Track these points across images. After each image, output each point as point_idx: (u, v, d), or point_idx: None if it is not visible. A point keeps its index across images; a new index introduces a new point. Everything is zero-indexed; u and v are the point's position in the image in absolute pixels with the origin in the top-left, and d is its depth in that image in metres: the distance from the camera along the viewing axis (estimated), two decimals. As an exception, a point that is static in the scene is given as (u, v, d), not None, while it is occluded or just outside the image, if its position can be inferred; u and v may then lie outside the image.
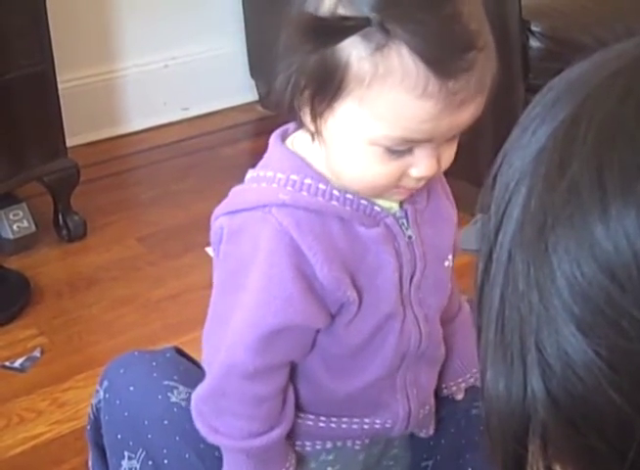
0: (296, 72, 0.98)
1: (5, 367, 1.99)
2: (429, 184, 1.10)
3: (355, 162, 1.01)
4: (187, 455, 1.20)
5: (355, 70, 0.94)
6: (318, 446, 1.21)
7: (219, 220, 1.09)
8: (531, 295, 0.47)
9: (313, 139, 1.04)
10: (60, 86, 2.35)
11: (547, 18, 2.34)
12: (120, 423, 1.23)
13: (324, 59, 0.95)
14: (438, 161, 1.02)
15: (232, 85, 3.13)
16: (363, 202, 1.06)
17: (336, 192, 1.05)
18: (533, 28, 2.28)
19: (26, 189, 2.43)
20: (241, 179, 1.11)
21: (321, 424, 1.19)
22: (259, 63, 3.00)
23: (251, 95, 3.17)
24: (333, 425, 1.19)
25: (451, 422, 1.29)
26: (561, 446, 0.49)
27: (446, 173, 1.10)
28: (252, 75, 3.11)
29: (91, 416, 1.29)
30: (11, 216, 2.34)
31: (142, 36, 2.94)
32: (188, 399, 1.17)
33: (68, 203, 2.42)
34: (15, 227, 2.34)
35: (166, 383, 1.22)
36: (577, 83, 0.51)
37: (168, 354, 1.28)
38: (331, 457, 1.22)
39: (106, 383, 1.25)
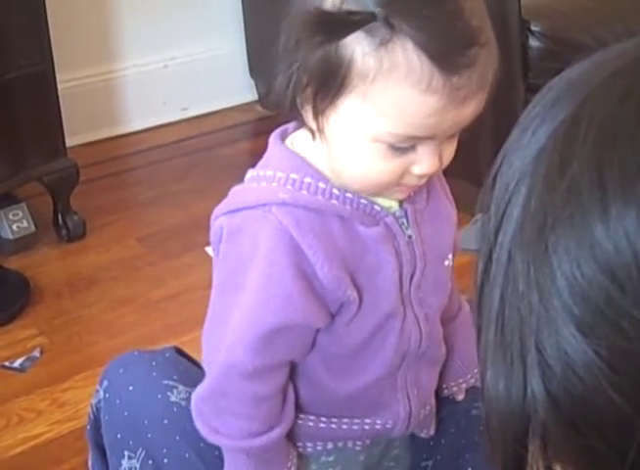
0: (298, 70, 0.98)
1: (5, 367, 1.99)
2: (428, 184, 1.10)
3: (358, 159, 1.01)
4: (187, 455, 1.20)
5: (359, 65, 0.95)
6: (319, 447, 1.20)
7: (219, 220, 1.09)
8: (531, 295, 0.47)
9: (314, 138, 1.04)
10: (59, 86, 2.35)
11: (547, 17, 2.34)
12: (120, 423, 1.23)
13: (327, 55, 0.95)
14: (440, 158, 1.02)
15: (231, 85, 3.13)
16: (363, 201, 1.06)
17: (335, 191, 1.05)
18: (533, 28, 2.28)
19: (26, 189, 2.43)
20: (240, 179, 1.11)
21: (322, 425, 1.18)
22: (259, 63, 3.00)
23: (251, 95, 3.17)
24: (333, 426, 1.19)
25: (451, 422, 1.29)
26: (561, 447, 0.49)
27: (446, 173, 1.10)
28: (252, 75, 3.10)
29: (91, 416, 1.29)
30: (10, 216, 2.34)
31: (141, 36, 2.94)
32: (188, 399, 1.17)
33: (67, 203, 2.42)
34: (14, 227, 2.34)
35: (166, 382, 1.22)
36: (577, 83, 0.51)
37: (168, 354, 1.28)
38: (331, 459, 1.22)
39: (105, 383, 1.25)
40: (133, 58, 2.95)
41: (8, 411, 1.87)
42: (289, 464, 1.17)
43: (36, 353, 2.02)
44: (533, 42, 2.29)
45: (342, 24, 0.93)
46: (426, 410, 1.23)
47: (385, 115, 0.97)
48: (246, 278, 1.06)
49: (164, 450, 1.20)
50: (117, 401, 1.23)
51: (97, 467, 1.32)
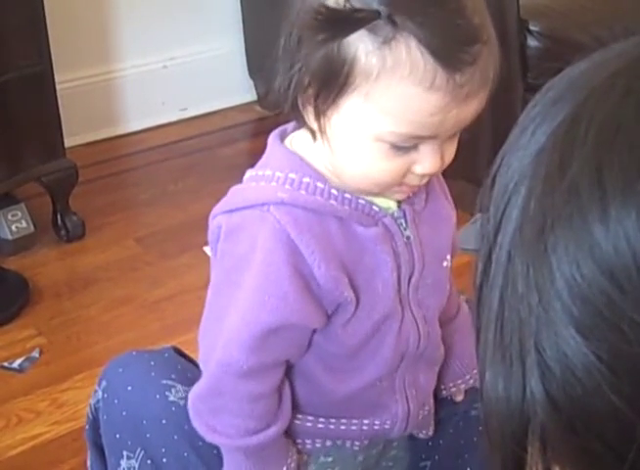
0: (299, 71, 0.98)
1: (4, 368, 1.99)
2: (427, 185, 1.10)
3: (360, 158, 1.01)
4: (185, 454, 1.20)
5: (362, 63, 0.95)
6: (318, 445, 1.20)
7: (217, 219, 1.09)
8: (531, 296, 0.47)
9: (315, 138, 1.04)
10: (58, 87, 2.34)
11: (545, 17, 2.34)
12: (119, 423, 1.23)
13: (329, 54, 0.95)
14: (442, 157, 1.02)
15: (230, 85, 3.13)
16: (361, 201, 1.06)
17: (334, 191, 1.05)
18: (532, 28, 2.28)
19: (25, 189, 2.43)
20: (239, 179, 1.11)
21: (320, 425, 1.18)
22: (258, 63, 3.00)
23: (250, 95, 3.17)
24: (332, 426, 1.19)
25: (450, 423, 1.29)
26: (560, 448, 0.49)
27: (445, 173, 1.10)
28: (251, 76, 3.10)
29: (90, 416, 1.29)
30: (9, 217, 2.34)
31: (140, 37, 2.93)
32: (186, 398, 1.17)
33: (66, 203, 2.42)
34: (13, 228, 2.34)
35: (164, 382, 1.22)
36: (577, 83, 0.51)
37: (167, 354, 1.28)
38: (330, 459, 1.22)
39: (104, 383, 1.25)
40: (132, 58, 2.95)
41: (7, 412, 1.87)
42: (288, 461, 1.17)
43: (35, 354, 2.02)
44: (532, 42, 2.29)
45: (345, 22, 0.93)
46: (424, 411, 1.23)
47: (387, 113, 0.97)
48: (242, 277, 1.06)
49: (163, 450, 1.20)
50: (116, 401, 1.23)
51: (96, 467, 1.32)
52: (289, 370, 1.15)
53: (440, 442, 1.29)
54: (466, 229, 1.84)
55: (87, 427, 1.31)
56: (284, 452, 1.16)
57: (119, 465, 1.23)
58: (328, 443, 1.21)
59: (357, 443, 1.21)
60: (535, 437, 0.49)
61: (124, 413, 1.22)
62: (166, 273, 2.31)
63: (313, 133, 1.04)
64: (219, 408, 1.12)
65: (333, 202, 1.05)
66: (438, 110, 0.96)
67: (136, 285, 2.27)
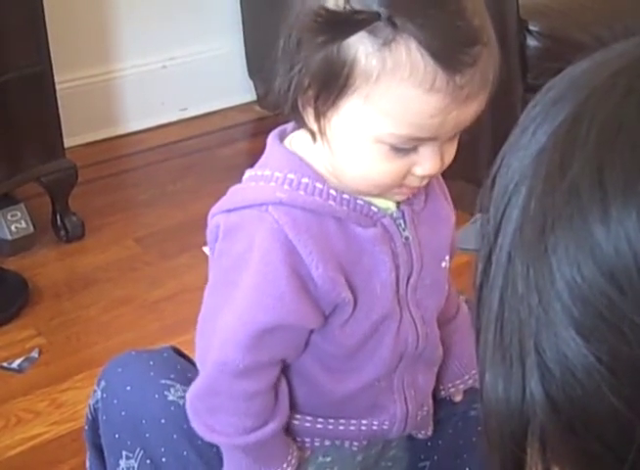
0: (299, 72, 0.98)
1: (3, 368, 1.99)
2: (426, 186, 1.10)
3: (360, 160, 1.01)
4: (185, 453, 1.20)
5: (363, 65, 0.94)
6: (317, 443, 1.21)
7: (216, 218, 1.09)
8: (531, 297, 0.47)
9: (315, 139, 1.04)
10: (58, 87, 2.34)
11: (545, 17, 2.34)
12: (118, 423, 1.23)
13: (329, 56, 0.95)
14: (442, 159, 1.02)
15: (230, 85, 3.13)
16: (360, 202, 1.06)
17: (332, 191, 1.05)
18: (531, 28, 2.28)
19: (24, 190, 2.43)
20: (239, 179, 1.11)
21: (318, 425, 1.18)
22: (257, 63, 3.00)
23: (250, 95, 3.17)
24: (330, 426, 1.19)
25: (449, 423, 1.29)
26: (559, 449, 0.48)
27: (445, 173, 1.10)
28: (251, 76, 3.10)
29: (89, 416, 1.29)
30: (9, 217, 2.34)
31: (140, 37, 2.93)
32: (185, 398, 1.17)
33: (65, 203, 2.42)
34: (13, 228, 2.34)
35: (163, 382, 1.22)
36: (578, 83, 0.51)
37: (165, 354, 1.28)
38: (329, 459, 1.22)
39: (103, 383, 1.25)
40: (132, 58, 2.95)
41: (6, 412, 1.87)
42: (289, 457, 1.17)
43: (35, 354, 2.02)
44: (532, 42, 2.29)
45: (345, 24, 0.93)
46: (423, 411, 1.23)
47: (387, 115, 0.97)
48: (240, 277, 1.06)
49: (163, 450, 1.20)
50: (115, 401, 1.23)
51: (94, 468, 1.32)
52: (287, 370, 1.15)
53: (439, 442, 1.29)
54: (465, 229, 1.84)
55: (86, 427, 1.31)
56: (284, 449, 1.16)
57: (118, 465, 1.23)
58: (327, 442, 1.21)
59: (356, 443, 1.21)
60: (535, 438, 0.49)
61: (123, 413, 1.22)
62: (166, 273, 2.31)
63: (313, 134, 1.04)
64: (216, 407, 1.12)
65: (331, 202, 1.05)
66: (438, 111, 0.96)
67: (136, 285, 2.27)
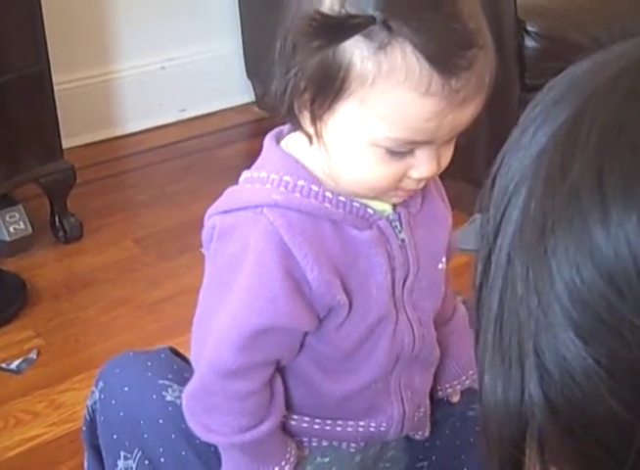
0: (295, 76, 0.98)
1: (1, 369, 1.98)
2: (423, 187, 1.10)
3: (356, 163, 1.01)
4: (183, 453, 1.20)
5: (358, 69, 0.94)
6: (314, 443, 1.21)
7: (212, 219, 1.09)
8: (530, 299, 0.47)
9: (311, 142, 1.04)
10: (56, 88, 2.34)
11: (543, 17, 2.34)
12: (116, 423, 1.23)
13: (325, 60, 0.95)
14: (438, 162, 1.02)
15: (229, 86, 3.13)
16: (355, 204, 1.06)
17: (328, 194, 1.05)
18: (529, 28, 2.28)
19: (23, 191, 2.43)
20: (237, 180, 1.11)
21: (316, 426, 1.19)
22: (256, 64, 3.00)
23: (248, 96, 3.17)
24: (327, 427, 1.19)
25: (446, 424, 1.29)
26: (558, 451, 0.48)
27: (443, 173, 1.10)
28: (249, 77, 3.10)
29: (87, 417, 1.29)
30: (7, 218, 2.34)
31: (138, 38, 2.93)
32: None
33: (64, 204, 2.42)
34: (11, 229, 2.34)
35: (161, 382, 1.22)
36: (579, 84, 0.51)
37: (163, 355, 1.28)
38: (327, 459, 1.22)
39: (101, 384, 1.25)
40: (130, 59, 2.95)
41: (5, 413, 1.87)
42: (287, 455, 1.17)
43: (33, 355, 2.02)
44: (529, 42, 2.29)
45: (340, 28, 0.93)
46: (420, 412, 1.23)
47: (383, 119, 0.96)
48: (234, 278, 1.06)
49: (161, 450, 1.20)
50: (113, 402, 1.23)
51: (93, 468, 1.32)
52: (283, 370, 1.15)
53: (437, 442, 1.29)
54: (464, 229, 1.84)
55: (84, 428, 1.31)
56: (281, 447, 1.16)
57: (117, 466, 1.23)
58: (324, 443, 1.21)
59: (353, 444, 1.21)
60: (533, 440, 0.49)
61: (121, 414, 1.22)
62: (165, 274, 2.31)
63: (309, 137, 1.04)
64: (212, 407, 1.12)
65: (327, 205, 1.05)
66: (434, 115, 0.96)
67: (134, 286, 2.27)
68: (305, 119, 1.01)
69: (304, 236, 1.04)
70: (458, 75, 0.94)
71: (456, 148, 1.05)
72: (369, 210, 1.07)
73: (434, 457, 1.29)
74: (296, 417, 1.18)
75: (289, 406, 1.17)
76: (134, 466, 1.22)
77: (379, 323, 1.12)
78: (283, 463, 1.16)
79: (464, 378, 1.29)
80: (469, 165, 1.80)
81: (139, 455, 1.21)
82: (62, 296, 2.25)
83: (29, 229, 2.37)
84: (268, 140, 1.11)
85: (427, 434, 1.27)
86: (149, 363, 1.25)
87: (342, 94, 0.96)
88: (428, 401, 1.25)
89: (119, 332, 2.10)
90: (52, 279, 2.30)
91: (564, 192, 0.46)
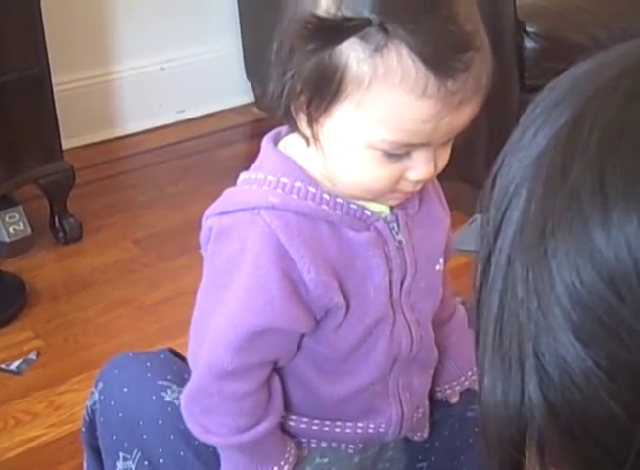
0: (291, 78, 0.98)
1: (1, 370, 1.98)
2: (421, 188, 1.10)
3: (353, 165, 1.01)
4: (182, 453, 1.20)
5: (354, 71, 0.94)
6: (313, 444, 1.21)
7: (209, 221, 1.09)
8: (530, 301, 0.47)
9: (309, 144, 1.04)
10: (55, 89, 2.34)
11: (542, 18, 2.34)
12: (115, 424, 1.23)
13: (321, 63, 0.95)
14: (435, 163, 1.02)
15: (228, 87, 3.13)
16: (353, 206, 1.06)
17: (326, 196, 1.05)
18: (528, 29, 2.28)
19: (22, 192, 2.43)
20: (237, 181, 1.11)
21: (314, 427, 1.19)
22: (255, 65, 3.00)
23: (248, 97, 3.17)
24: (326, 428, 1.19)
25: (445, 425, 1.29)
26: (558, 453, 0.48)
27: (442, 174, 1.10)
28: (248, 77, 3.10)
29: (86, 418, 1.29)
30: (7, 219, 2.34)
31: (138, 39, 2.93)
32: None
33: (63, 205, 2.42)
34: (10, 230, 2.34)
35: (160, 383, 1.22)
36: (580, 85, 0.51)
37: (163, 356, 1.28)
38: (326, 460, 1.22)
39: (100, 384, 1.25)
40: (129, 60, 2.95)
41: (4, 414, 1.87)
42: (286, 455, 1.17)
43: (33, 356, 2.02)
44: (529, 43, 2.29)
45: (336, 31, 0.93)
46: (418, 414, 1.23)
47: (379, 121, 0.96)
48: (231, 279, 1.06)
49: (160, 450, 1.20)
50: (112, 403, 1.23)
51: (92, 469, 1.32)
52: (281, 370, 1.15)
53: (437, 443, 1.29)
54: (464, 230, 1.84)
55: (83, 429, 1.31)
56: (280, 447, 1.16)
57: (116, 467, 1.23)
58: (323, 444, 1.21)
59: (352, 446, 1.21)
60: (533, 441, 0.48)
61: (121, 415, 1.22)
62: (164, 275, 2.31)
63: (307, 139, 1.03)
64: (209, 408, 1.12)
65: (324, 206, 1.05)
66: (430, 117, 0.96)
67: (134, 287, 2.27)
68: (302, 122, 1.01)
69: (301, 238, 1.04)
70: (454, 78, 0.94)
71: (455, 149, 1.05)
72: (366, 211, 1.07)
73: (433, 458, 1.30)
74: (294, 418, 1.18)
75: (287, 407, 1.17)
76: (133, 467, 1.22)
77: (376, 325, 1.12)
78: (282, 463, 1.16)
79: (463, 379, 1.29)
80: (468, 166, 1.80)
81: (138, 456, 1.21)
82: (61, 297, 2.25)
83: (29, 230, 2.37)
84: (266, 142, 1.11)
85: (425, 435, 1.27)
86: (148, 364, 1.25)
87: (339, 96, 0.96)
88: (426, 403, 1.25)
89: (119, 333, 2.10)
90: (51, 280, 2.30)
91: (564, 194, 0.46)
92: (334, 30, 0.93)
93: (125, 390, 1.22)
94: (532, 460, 0.50)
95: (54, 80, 2.33)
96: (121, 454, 1.23)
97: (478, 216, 0.55)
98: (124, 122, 2.99)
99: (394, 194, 1.05)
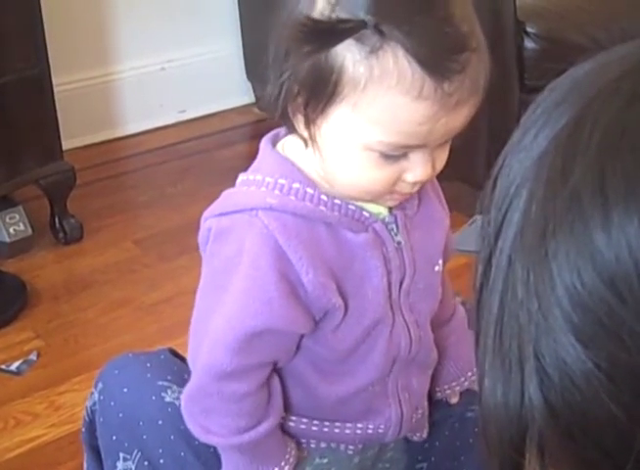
0: (288, 80, 0.98)
1: (1, 370, 1.98)
2: (420, 189, 1.10)
3: (350, 167, 1.01)
4: (182, 454, 1.20)
5: (350, 73, 0.94)
6: (313, 445, 1.21)
7: (208, 222, 1.09)
8: (531, 303, 0.47)
9: (307, 145, 1.04)
10: (56, 89, 2.34)
11: (542, 19, 2.34)
12: (115, 425, 1.23)
13: (317, 64, 0.95)
14: (433, 165, 1.02)
15: (228, 88, 3.13)
16: (351, 207, 1.06)
17: (324, 197, 1.05)
18: (529, 29, 2.28)
19: (23, 192, 2.43)
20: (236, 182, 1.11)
21: (314, 427, 1.19)
22: (256, 65, 3.00)
23: (248, 97, 3.17)
24: (325, 429, 1.19)
25: (445, 425, 1.29)
26: (558, 455, 0.48)
27: (441, 175, 1.10)
28: (249, 78, 3.10)
29: (86, 418, 1.29)
30: (7, 220, 2.34)
31: (138, 39, 2.93)
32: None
33: (64, 206, 2.42)
34: (11, 230, 2.34)
35: (160, 383, 1.22)
36: (581, 86, 0.51)
37: (162, 356, 1.28)
38: (325, 460, 1.22)
39: (100, 385, 1.25)
40: (130, 60, 2.95)
41: (4, 414, 1.87)
42: (286, 456, 1.17)
43: (33, 357, 2.02)
44: (529, 43, 2.28)
45: (332, 33, 0.93)
46: (418, 414, 1.23)
47: (375, 123, 0.96)
48: (229, 281, 1.06)
49: (160, 451, 1.20)
50: (112, 403, 1.23)
51: (92, 469, 1.32)
52: (281, 371, 1.15)
53: (437, 443, 1.29)
54: (464, 231, 1.84)
55: (83, 429, 1.31)
56: (280, 448, 1.16)
57: (116, 467, 1.23)
58: (323, 444, 1.21)
59: (351, 446, 1.21)
60: (533, 443, 0.48)
61: (121, 415, 1.22)
62: (164, 275, 2.31)
63: (304, 141, 1.03)
64: (209, 409, 1.12)
65: (322, 208, 1.05)
66: (427, 119, 0.95)
67: (134, 287, 2.27)
68: (299, 123, 1.01)
69: (299, 239, 1.04)
70: (451, 79, 0.94)
71: (455, 149, 1.05)
72: (364, 212, 1.07)
73: (433, 458, 1.30)
74: (294, 418, 1.18)
75: (287, 408, 1.17)
76: (133, 467, 1.22)
77: (375, 326, 1.12)
78: (282, 464, 1.16)
79: (462, 379, 1.29)
80: (468, 167, 1.80)
81: (138, 456, 1.21)
82: (61, 297, 2.25)
83: (29, 230, 2.37)
84: (264, 143, 1.11)
85: (425, 435, 1.27)
86: (148, 364, 1.25)
87: (335, 98, 0.96)
88: (426, 403, 1.25)
89: (119, 333, 2.10)
90: (52, 280, 2.30)
91: (565, 195, 0.46)
92: (329, 33, 0.93)
93: (125, 390, 1.22)
94: (532, 462, 0.50)
95: (54, 81, 2.33)
96: (121, 455, 1.23)
97: (478, 217, 0.55)
98: (125, 123, 2.99)
99: (392, 195, 1.05)
